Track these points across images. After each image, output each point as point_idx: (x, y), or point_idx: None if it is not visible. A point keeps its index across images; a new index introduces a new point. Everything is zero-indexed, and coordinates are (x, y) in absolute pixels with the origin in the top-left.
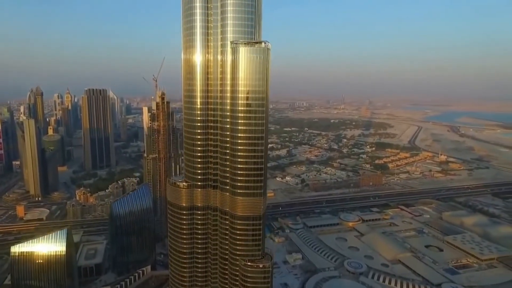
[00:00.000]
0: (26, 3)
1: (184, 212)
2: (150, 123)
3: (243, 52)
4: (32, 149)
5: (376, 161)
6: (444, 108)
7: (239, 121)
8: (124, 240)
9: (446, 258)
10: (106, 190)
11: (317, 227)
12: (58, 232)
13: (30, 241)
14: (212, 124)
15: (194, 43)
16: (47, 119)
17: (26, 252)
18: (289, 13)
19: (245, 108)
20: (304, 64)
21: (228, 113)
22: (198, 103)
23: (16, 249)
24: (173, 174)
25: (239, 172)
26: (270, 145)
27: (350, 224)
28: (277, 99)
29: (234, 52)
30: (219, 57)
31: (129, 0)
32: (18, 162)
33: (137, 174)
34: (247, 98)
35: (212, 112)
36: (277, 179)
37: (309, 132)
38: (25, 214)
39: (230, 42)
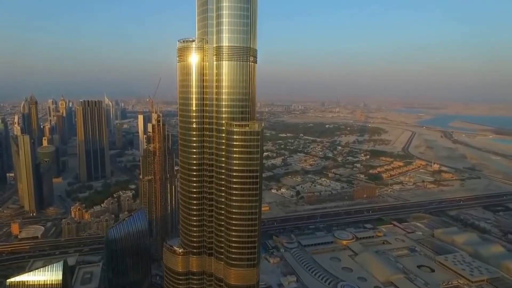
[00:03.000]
0: (23, 4)
1: (181, 277)
2: (146, 145)
3: (236, 133)
4: (27, 165)
5: (370, 171)
6: (437, 111)
7: (233, 197)
8: (120, 264)
9: (438, 279)
10: (102, 205)
11: (312, 246)
12: (54, 264)
13: (26, 274)
14: (207, 195)
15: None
16: (42, 126)
17: (22, 284)
18: (284, 13)
19: (238, 186)
20: (300, 65)
21: (223, 188)
22: (194, 175)
23: (12, 281)
24: (169, 196)
25: (233, 244)
26: (265, 154)
27: (344, 242)
28: (272, 101)
29: (228, 133)
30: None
31: (123, 2)
32: (12, 174)
33: (133, 187)
34: (241, 176)
35: (207, 185)
36: (272, 191)
37: (304, 139)
38: (20, 231)
39: (225, 122)
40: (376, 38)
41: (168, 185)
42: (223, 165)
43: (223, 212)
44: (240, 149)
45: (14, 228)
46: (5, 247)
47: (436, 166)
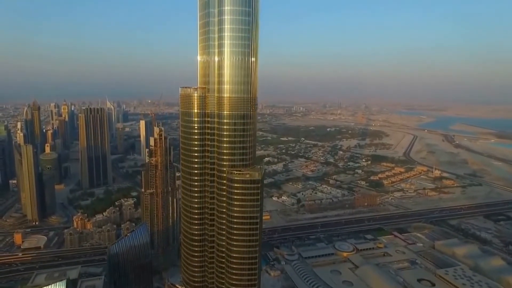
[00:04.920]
0: (25, 5)
1: None
2: (148, 159)
3: (237, 181)
4: (29, 174)
5: (371, 177)
6: (438, 113)
7: (234, 242)
8: (122, 278)
9: None
10: (103, 214)
11: (312, 258)
12: (58, 282)
13: None
14: (209, 237)
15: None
16: (44, 130)
17: None
18: (286, 15)
19: (239, 232)
20: (301, 66)
21: (223, 232)
22: (196, 218)
23: None
24: (170, 208)
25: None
26: (267, 159)
27: (345, 254)
28: (273, 103)
29: (229, 180)
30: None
31: (124, 4)
32: (15, 181)
33: (134, 194)
34: (241, 222)
35: (209, 227)
36: (273, 198)
37: (306, 143)
38: (22, 242)
39: (226, 170)
40: (378, 40)
41: (170, 198)
42: (224, 210)
43: (224, 255)
44: (240, 197)
45: (17, 238)
46: (8, 258)
47: (437, 172)
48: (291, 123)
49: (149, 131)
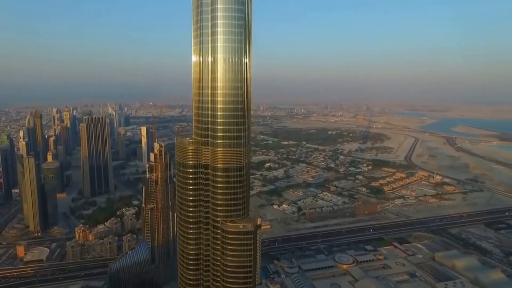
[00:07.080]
0: (28, 7)
1: None
2: (148, 174)
3: (231, 233)
4: (32, 186)
5: (372, 183)
6: (440, 114)
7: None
8: None
9: None
10: (105, 224)
11: (312, 271)
12: None
13: None
14: (204, 282)
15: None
16: (46, 136)
17: None
18: (287, 15)
19: (233, 280)
20: (303, 67)
21: (218, 278)
22: (192, 264)
23: None
24: (171, 223)
25: None
26: (267, 164)
27: (344, 266)
28: (274, 104)
29: (223, 231)
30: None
31: (124, 6)
32: (17, 190)
33: (136, 203)
34: (235, 272)
35: (204, 273)
36: (274, 206)
37: (307, 147)
38: (25, 254)
39: (220, 220)
40: (379, 40)
41: (170, 212)
42: (219, 258)
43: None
44: (234, 247)
45: (20, 250)
46: (11, 272)
47: (438, 178)
48: (292, 126)
49: (150, 137)
